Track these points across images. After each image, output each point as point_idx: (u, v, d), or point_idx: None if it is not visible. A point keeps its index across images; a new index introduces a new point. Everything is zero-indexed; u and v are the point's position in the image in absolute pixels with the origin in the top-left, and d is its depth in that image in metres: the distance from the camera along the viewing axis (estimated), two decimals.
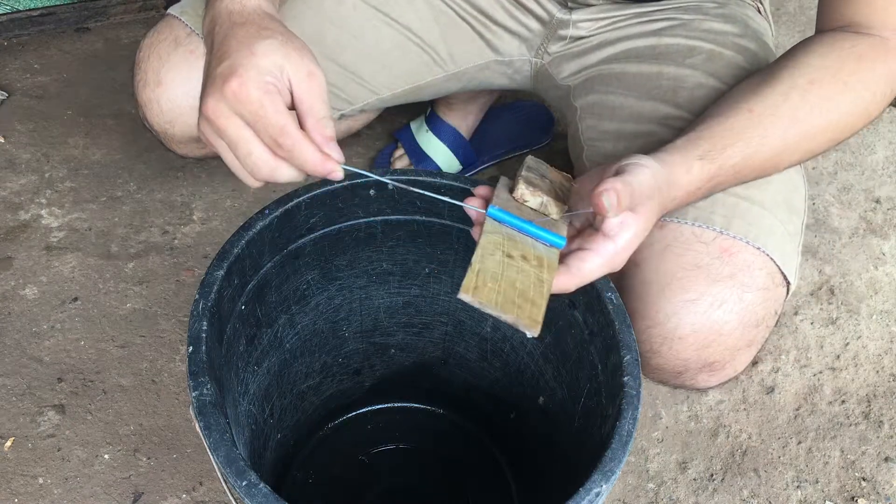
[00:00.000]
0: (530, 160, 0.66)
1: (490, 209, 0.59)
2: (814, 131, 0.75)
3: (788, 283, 0.83)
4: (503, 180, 0.64)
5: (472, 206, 0.62)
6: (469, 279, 0.53)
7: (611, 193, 0.58)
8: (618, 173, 0.62)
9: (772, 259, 0.80)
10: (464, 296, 0.52)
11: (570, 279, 0.59)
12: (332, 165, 0.59)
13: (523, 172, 0.63)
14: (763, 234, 0.80)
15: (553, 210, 0.62)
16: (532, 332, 0.53)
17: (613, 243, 0.60)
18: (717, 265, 0.78)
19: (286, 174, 0.60)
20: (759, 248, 0.79)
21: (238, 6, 0.66)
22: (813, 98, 0.74)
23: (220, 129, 0.59)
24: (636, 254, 0.82)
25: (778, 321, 1.04)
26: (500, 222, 0.59)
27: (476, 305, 0.53)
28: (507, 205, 0.61)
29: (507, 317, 0.53)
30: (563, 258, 0.60)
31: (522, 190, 0.61)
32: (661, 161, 0.67)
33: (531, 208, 0.62)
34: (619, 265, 0.61)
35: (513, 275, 0.55)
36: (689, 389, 0.95)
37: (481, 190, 0.64)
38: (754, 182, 0.81)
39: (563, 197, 0.63)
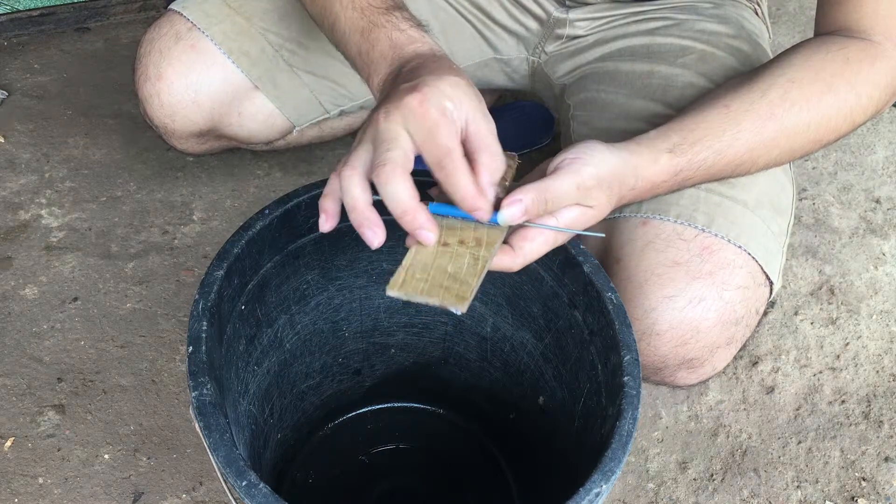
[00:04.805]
0: None
1: (430, 206, 0.61)
2: (792, 129, 0.75)
3: (772, 283, 0.83)
4: None
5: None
6: (397, 275, 0.56)
7: (514, 205, 0.58)
8: (557, 169, 0.62)
9: (753, 258, 0.80)
10: (391, 292, 0.56)
11: (514, 258, 0.60)
12: (482, 203, 0.58)
13: None
14: (745, 233, 0.80)
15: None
16: (459, 308, 0.54)
17: (556, 220, 0.61)
18: (696, 262, 0.78)
19: (376, 234, 0.58)
20: (740, 247, 0.79)
21: (427, 49, 0.67)
22: (792, 96, 0.74)
23: (381, 132, 0.57)
24: (618, 250, 0.82)
25: (761, 321, 1.04)
26: (442, 215, 0.61)
27: (404, 298, 0.56)
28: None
29: (433, 301, 0.55)
30: (508, 238, 0.60)
31: None
32: (627, 150, 0.67)
33: None
34: (563, 241, 0.63)
35: (445, 261, 0.57)
36: (670, 386, 0.96)
37: (434, 190, 0.65)
38: (739, 181, 0.81)
39: (503, 178, 0.64)
